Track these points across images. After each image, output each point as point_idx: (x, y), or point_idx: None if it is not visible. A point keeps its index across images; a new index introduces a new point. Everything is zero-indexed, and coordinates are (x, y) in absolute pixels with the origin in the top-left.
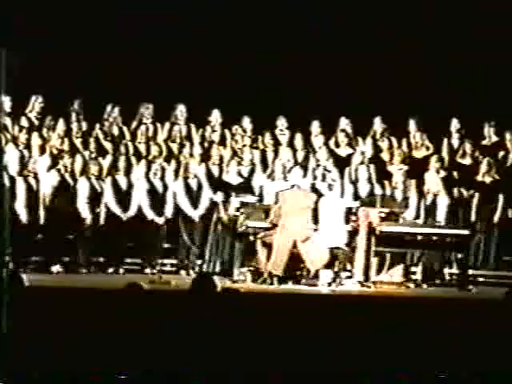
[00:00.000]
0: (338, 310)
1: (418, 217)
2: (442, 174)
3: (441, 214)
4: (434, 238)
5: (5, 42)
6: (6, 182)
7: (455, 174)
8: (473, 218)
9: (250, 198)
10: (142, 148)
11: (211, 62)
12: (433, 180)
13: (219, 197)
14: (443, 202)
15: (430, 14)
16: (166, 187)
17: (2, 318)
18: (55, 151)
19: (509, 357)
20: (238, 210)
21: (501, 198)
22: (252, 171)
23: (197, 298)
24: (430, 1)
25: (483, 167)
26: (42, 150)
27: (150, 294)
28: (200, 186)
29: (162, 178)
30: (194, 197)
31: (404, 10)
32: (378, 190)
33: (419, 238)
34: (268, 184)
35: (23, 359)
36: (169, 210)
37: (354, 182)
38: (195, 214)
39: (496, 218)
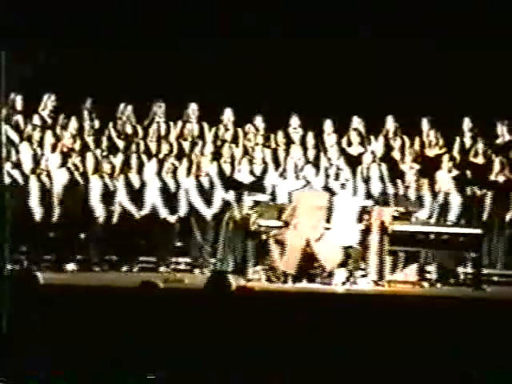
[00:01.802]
0: (353, 309)
1: (430, 216)
2: (455, 172)
3: (454, 213)
4: (447, 237)
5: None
6: (15, 179)
7: (468, 172)
8: (486, 217)
9: (262, 197)
10: (154, 146)
11: (224, 61)
12: (444, 179)
13: (232, 195)
14: (456, 201)
15: (442, 11)
16: (178, 186)
17: (3, 317)
18: (67, 149)
19: None
20: (250, 208)
21: None
22: (264, 170)
23: (211, 296)
24: None
25: (496, 166)
26: (55, 148)
27: (164, 292)
28: (212, 185)
29: (175, 177)
30: (206, 195)
31: (416, 6)
32: (390, 189)
33: (432, 237)
34: (280, 183)
35: (36, 357)
36: (182, 209)
37: (367, 181)
38: (208, 213)
39: (509, 217)
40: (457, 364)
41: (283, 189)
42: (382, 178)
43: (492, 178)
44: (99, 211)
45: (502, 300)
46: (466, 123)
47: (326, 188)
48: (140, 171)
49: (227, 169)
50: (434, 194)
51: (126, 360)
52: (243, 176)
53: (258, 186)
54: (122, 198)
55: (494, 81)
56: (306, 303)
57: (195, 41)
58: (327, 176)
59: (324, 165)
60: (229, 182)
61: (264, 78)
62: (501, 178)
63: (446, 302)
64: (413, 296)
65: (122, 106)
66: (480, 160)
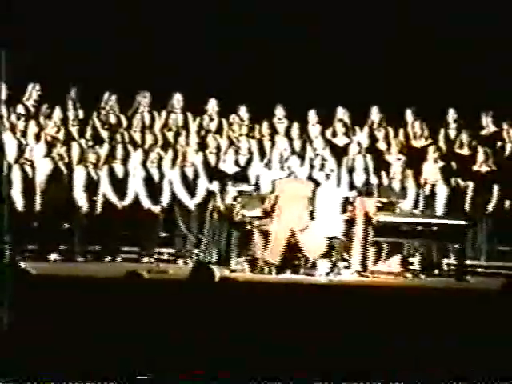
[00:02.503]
0: (336, 300)
1: (415, 207)
2: (440, 163)
3: (438, 204)
4: (431, 228)
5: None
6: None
7: (453, 164)
8: (469, 208)
9: (246, 188)
10: (138, 136)
11: (208, 50)
12: (431, 170)
13: (216, 186)
14: (441, 192)
15: (427, 3)
16: (162, 176)
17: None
18: (51, 139)
19: (505, 348)
20: (234, 199)
21: (496, 188)
22: (249, 160)
23: (195, 287)
24: None
25: (480, 157)
26: (38, 138)
27: (149, 283)
28: (197, 175)
29: (159, 167)
30: (190, 186)
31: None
32: (375, 180)
33: (416, 228)
34: (265, 173)
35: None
36: (166, 199)
37: (351, 172)
38: (192, 203)
39: (492, 208)
40: (440, 354)
41: (268, 179)
42: (366, 169)
43: (476, 168)
44: (83, 201)
45: (485, 291)
46: (451, 114)
47: (311, 179)
48: (124, 161)
49: (212, 159)
50: (419, 185)
51: (111, 351)
52: (228, 166)
53: (242, 176)
54: (105, 188)
55: (478, 72)
56: (290, 294)
57: (180, 30)
58: (312, 166)
59: (309, 155)
60: (213, 173)
61: (248, 68)
62: (485, 169)
63: (429, 293)
64: (396, 287)
65: (106, 95)
66: (465, 151)
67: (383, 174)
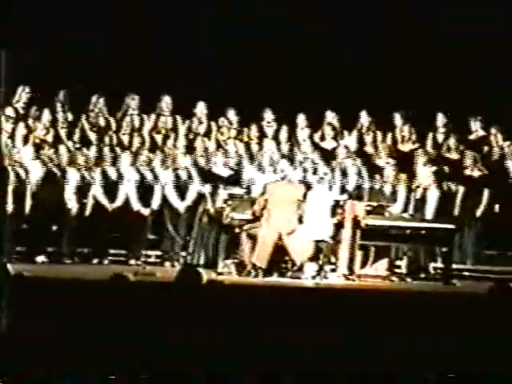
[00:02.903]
0: (323, 303)
1: (404, 211)
2: (429, 167)
3: (427, 208)
4: (419, 231)
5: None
6: None
7: (441, 168)
8: (458, 212)
9: (237, 191)
10: (128, 139)
11: (197, 54)
12: (425, 174)
13: (207, 189)
14: (430, 196)
15: (417, 8)
16: (153, 178)
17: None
18: (40, 141)
19: (492, 350)
20: (225, 202)
21: (486, 192)
22: (241, 164)
23: (182, 290)
24: None
25: (468, 161)
26: (27, 140)
27: (135, 286)
28: (188, 178)
29: (149, 170)
30: (180, 188)
31: (390, 3)
32: (365, 184)
33: (404, 231)
34: (257, 176)
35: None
36: (155, 202)
37: (341, 176)
38: (181, 206)
39: (481, 213)
40: (427, 357)
41: (259, 182)
42: (356, 173)
43: (465, 173)
44: (72, 203)
45: (472, 295)
46: (440, 118)
47: (301, 182)
48: (114, 164)
49: (203, 162)
50: (410, 189)
51: (97, 353)
52: (219, 169)
53: (233, 179)
54: (95, 190)
55: (466, 76)
56: (277, 297)
57: (169, 33)
58: (304, 170)
59: (298, 159)
60: (204, 175)
61: (237, 71)
62: (473, 174)
63: (415, 297)
64: (382, 290)
65: (94, 98)
66: (453, 155)
67: (375, 177)
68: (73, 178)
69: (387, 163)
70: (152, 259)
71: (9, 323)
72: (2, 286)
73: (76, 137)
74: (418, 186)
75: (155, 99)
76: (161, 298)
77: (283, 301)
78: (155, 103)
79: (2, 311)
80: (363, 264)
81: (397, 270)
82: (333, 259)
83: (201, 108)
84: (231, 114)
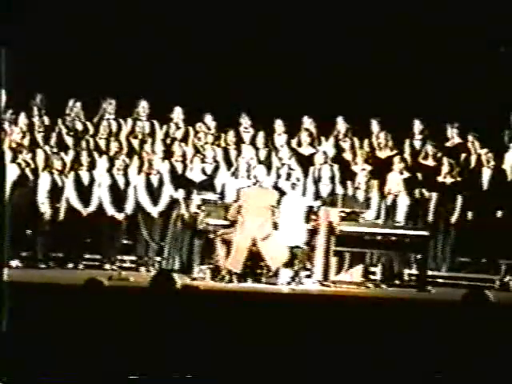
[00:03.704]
0: (298, 309)
1: (378, 217)
2: (405, 174)
3: (401, 215)
4: (394, 238)
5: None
6: None
7: (417, 174)
8: (432, 219)
9: (211, 196)
10: (104, 143)
11: (174, 59)
12: (394, 180)
13: (180, 194)
14: (404, 203)
15: (394, 14)
16: (127, 183)
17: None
18: (16, 145)
19: (464, 358)
20: (199, 207)
21: (460, 199)
22: (215, 169)
23: (156, 295)
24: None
25: (445, 168)
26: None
27: (109, 291)
28: (161, 183)
29: (124, 174)
30: (154, 193)
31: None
32: (340, 190)
33: (379, 238)
34: (231, 182)
35: None
36: (129, 206)
37: (317, 182)
38: (155, 211)
39: (455, 219)
40: (400, 365)
41: (233, 188)
42: (332, 179)
43: (441, 180)
44: (46, 207)
45: (446, 302)
46: (417, 125)
47: (276, 188)
48: (90, 168)
49: (178, 167)
50: (383, 196)
51: (70, 359)
52: (194, 174)
53: (208, 184)
54: (70, 194)
55: (443, 83)
56: (252, 303)
57: (147, 38)
58: (278, 176)
59: (275, 165)
60: (179, 181)
61: (214, 77)
62: (448, 181)
63: (390, 303)
64: (357, 297)
65: (71, 102)
66: (430, 162)
67: (348, 184)
68: (46, 181)
69: (362, 169)
70: (127, 264)
71: None
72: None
73: (52, 141)
74: (388, 193)
75: (132, 104)
76: (135, 303)
77: (258, 306)
78: (132, 108)
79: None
80: (338, 270)
81: (372, 277)
82: (308, 265)
83: (177, 113)
84: (208, 119)
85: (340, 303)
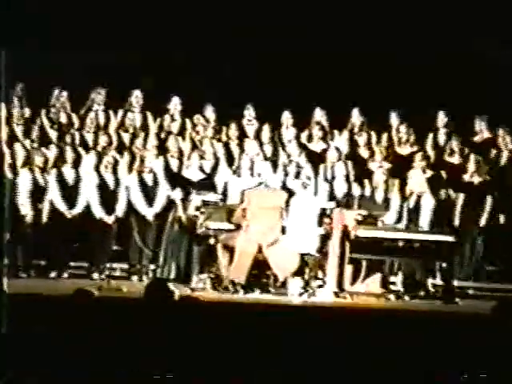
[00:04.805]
0: (309, 323)
1: (399, 220)
2: (428, 173)
3: (424, 218)
4: (416, 244)
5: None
6: None
7: (441, 173)
8: (459, 222)
9: (211, 197)
10: (92, 138)
11: (170, 43)
12: (417, 179)
13: (177, 194)
14: (427, 205)
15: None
16: (117, 182)
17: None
18: None
19: (494, 376)
20: (198, 209)
21: (489, 200)
22: (215, 166)
23: (151, 307)
24: None
25: (472, 166)
26: None
27: (99, 302)
28: (156, 182)
29: (114, 172)
30: (148, 194)
31: None
32: (355, 190)
33: (400, 244)
34: (233, 181)
35: None
36: (120, 208)
37: (330, 181)
38: (150, 213)
39: (484, 223)
40: (424, 382)
41: (236, 188)
42: (346, 178)
43: (467, 179)
44: (27, 209)
45: (474, 315)
46: (441, 118)
47: (284, 187)
48: (75, 165)
49: (174, 164)
50: (404, 197)
51: (55, 380)
52: (191, 173)
53: (208, 184)
54: (53, 194)
55: (471, 72)
56: (258, 316)
57: (140, 21)
58: (285, 174)
59: (282, 162)
60: (175, 179)
61: (214, 63)
62: (476, 180)
63: (412, 317)
64: (376, 310)
65: (56, 91)
66: (455, 159)
67: (365, 183)
68: (26, 180)
69: (380, 167)
70: (117, 273)
71: None
72: None
73: (33, 135)
74: (410, 194)
75: (124, 94)
76: (127, 315)
77: (265, 320)
78: (124, 98)
79: None
80: (354, 280)
81: (392, 287)
82: (320, 274)
83: (175, 103)
84: (209, 110)
85: (356, 316)
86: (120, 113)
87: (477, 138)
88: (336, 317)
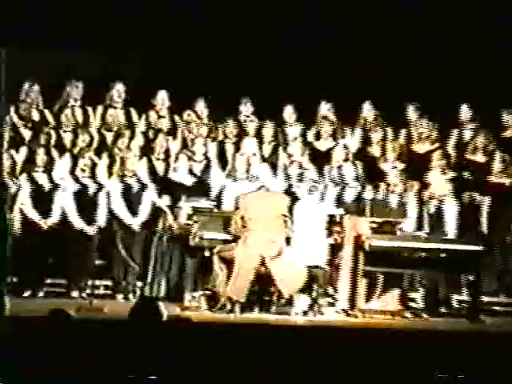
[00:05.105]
0: (317, 345)
1: (418, 228)
2: (450, 173)
3: (447, 225)
4: (439, 255)
5: None
6: None
7: (465, 173)
8: (486, 230)
9: (205, 203)
10: (68, 137)
11: (156, 28)
12: (437, 181)
13: (166, 201)
14: (450, 210)
15: None
16: (98, 188)
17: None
18: None
19: None
20: (190, 217)
21: None
22: (208, 168)
23: (138, 329)
24: None
25: (498, 165)
26: None
27: (78, 324)
28: (142, 187)
29: (94, 177)
30: (133, 200)
31: None
32: (369, 194)
33: (419, 254)
34: (229, 185)
35: None
36: (102, 217)
37: (339, 184)
38: (135, 222)
39: None
40: None
41: (232, 193)
42: (358, 180)
43: (494, 180)
44: None
45: (504, 334)
46: (464, 111)
47: (287, 192)
48: (50, 169)
49: (161, 167)
50: (423, 201)
51: None
52: (181, 176)
53: (200, 188)
54: (23, 202)
55: (497, 60)
56: (258, 338)
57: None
58: (288, 177)
59: (284, 162)
60: (164, 184)
61: (208, 52)
62: (505, 181)
63: (434, 337)
64: (393, 329)
65: (26, 85)
66: (479, 157)
67: (379, 186)
68: None
69: (394, 167)
70: (100, 291)
71: None
72: None
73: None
74: (430, 197)
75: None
76: (111, 339)
77: (267, 343)
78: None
79: None
80: (368, 296)
81: (411, 304)
82: (330, 290)
83: (162, 97)
84: (201, 105)
85: (370, 337)
86: (100, 109)
87: (506, 134)
88: (346, 338)
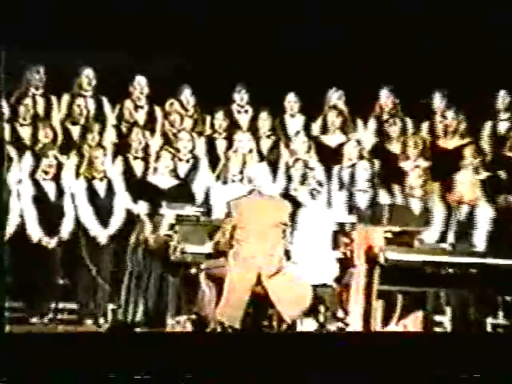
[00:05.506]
0: (325, 376)
1: (443, 239)
2: (483, 174)
3: (479, 236)
4: (469, 270)
5: None
6: None
7: (500, 173)
8: None
9: (189, 210)
10: (27, 133)
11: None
12: (467, 183)
13: (142, 207)
14: (483, 217)
15: None
16: (60, 192)
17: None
18: None
19: None
20: (171, 227)
21: None
22: (193, 169)
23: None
24: None
25: None
26: None
27: None
28: (112, 191)
29: (56, 179)
30: (102, 207)
31: None
32: (384, 199)
33: (445, 270)
34: (218, 189)
35: None
36: (66, 228)
37: (349, 187)
38: (104, 234)
39: None
40: None
41: (222, 198)
42: (371, 182)
43: None
44: None
45: None
46: (501, 99)
47: (287, 196)
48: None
49: (138, 167)
50: (449, 206)
51: None
52: (161, 178)
53: (185, 192)
54: None
55: None
56: (256, 369)
57: None
58: (289, 179)
59: (285, 161)
60: (139, 187)
61: (196, 33)
62: None
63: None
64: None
65: None
66: None
67: (397, 189)
68: None
69: (416, 167)
70: (65, 315)
71: None
72: None
73: None
74: (459, 202)
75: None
76: (78, 371)
77: (265, 373)
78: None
79: None
80: (386, 319)
81: (437, 329)
82: (340, 312)
83: (139, 84)
84: (186, 93)
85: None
86: (66, 98)
87: None
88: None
